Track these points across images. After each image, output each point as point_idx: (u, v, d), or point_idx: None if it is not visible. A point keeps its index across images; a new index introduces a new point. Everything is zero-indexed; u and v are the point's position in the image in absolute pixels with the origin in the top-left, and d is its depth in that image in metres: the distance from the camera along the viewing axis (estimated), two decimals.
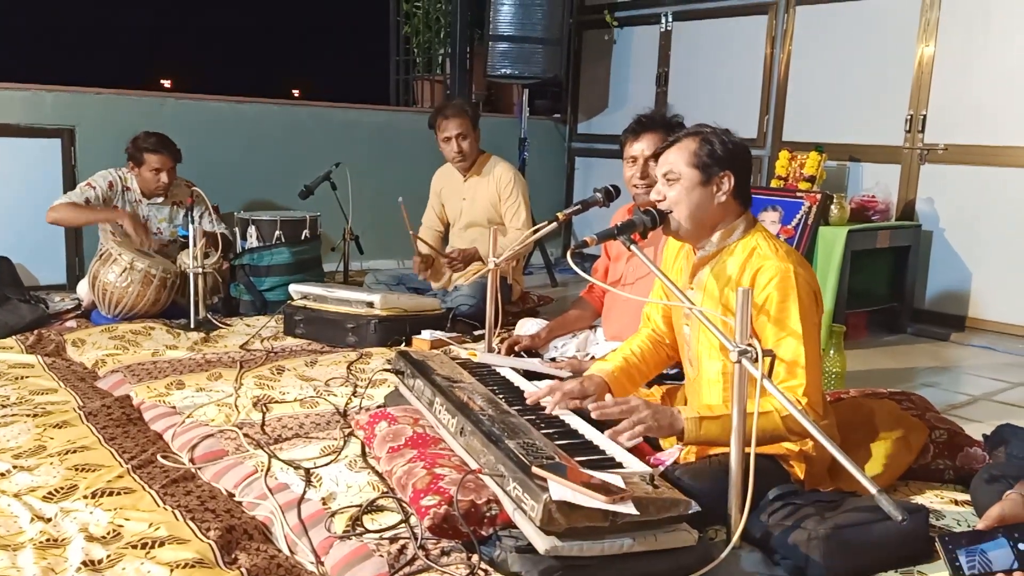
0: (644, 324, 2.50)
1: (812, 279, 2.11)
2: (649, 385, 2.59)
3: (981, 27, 4.40)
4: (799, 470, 2.09)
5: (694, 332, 2.21)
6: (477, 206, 4.25)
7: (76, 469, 2.24)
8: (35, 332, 3.60)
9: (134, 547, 1.83)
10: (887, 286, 4.67)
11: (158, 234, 4.24)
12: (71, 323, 3.84)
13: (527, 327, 3.37)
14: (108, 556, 1.79)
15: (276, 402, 2.78)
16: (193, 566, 1.76)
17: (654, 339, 2.44)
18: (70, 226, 4.44)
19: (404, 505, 1.97)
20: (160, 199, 4.24)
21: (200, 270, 3.78)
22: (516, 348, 3.14)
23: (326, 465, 2.24)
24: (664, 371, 2.57)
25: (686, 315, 2.23)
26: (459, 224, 4.36)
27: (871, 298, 4.56)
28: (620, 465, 1.89)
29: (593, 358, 2.99)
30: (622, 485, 1.73)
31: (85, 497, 2.08)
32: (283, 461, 2.27)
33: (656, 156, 2.25)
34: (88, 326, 3.77)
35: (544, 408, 2.26)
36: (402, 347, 3.52)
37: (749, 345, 1.75)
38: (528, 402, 2.31)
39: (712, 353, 2.15)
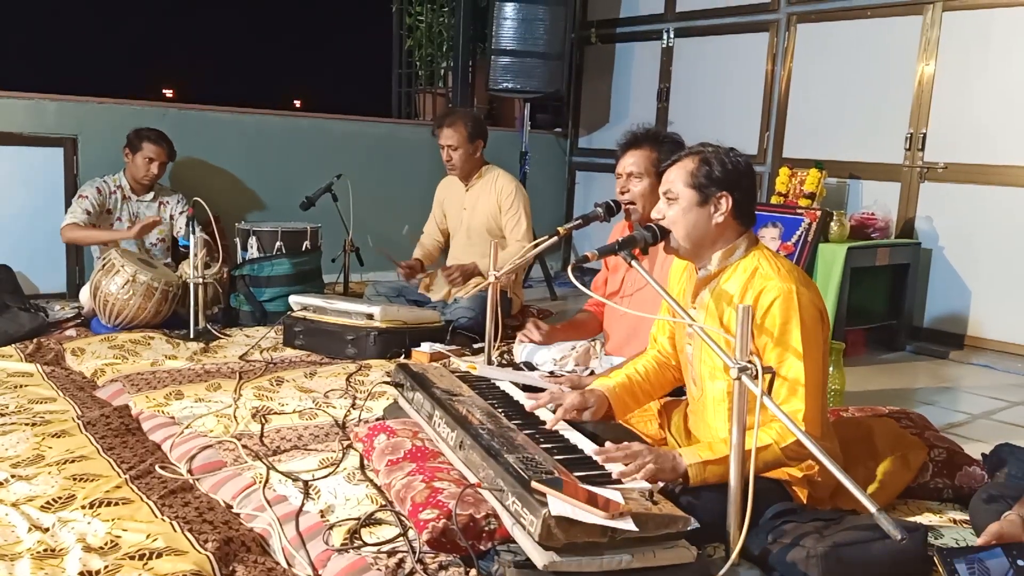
0: (651, 345, 2.48)
1: (816, 298, 2.07)
2: None
3: (981, 46, 4.43)
4: (802, 495, 2.08)
5: (696, 352, 2.19)
6: (477, 216, 4.26)
7: (74, 479, 2.24)
8: (35, 341, 3.61)
9: (132, 558, 1.83)
10: (886, 304, 4.67)
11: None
12: (71, 332, 3.84)
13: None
14: (106, 567, 1.79)
15: (275, 413, 2.77)
16: None
17: (660, 360, 2.41)
18: (85, 245, 4.53)
19: (402, 518, 1.96)
20: (149, 196, 4.42)
21: (200, 280, 3.79)
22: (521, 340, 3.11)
23: (324, 477, 2.24)
24: None
25: (688, 335, 2.21)
26: (460, 234, 4.37)
27: (870, 315, 4.57)
28: (619, 481, 1.89)
29: (593, 372, 2.99)
30: (621, 501, 1.73)
31: (83, 507, 2.07)
32: (281, 473, 2.27)
33: (660, 174, 2.26)
34: (88, 335, 3.78)
35: (544, 422, 2.26)
36: (401, 359, 3.52)
37: (749, 362, 1.76)
38: (528, 408, 2.32)
39: (715, 373, 2.14)
